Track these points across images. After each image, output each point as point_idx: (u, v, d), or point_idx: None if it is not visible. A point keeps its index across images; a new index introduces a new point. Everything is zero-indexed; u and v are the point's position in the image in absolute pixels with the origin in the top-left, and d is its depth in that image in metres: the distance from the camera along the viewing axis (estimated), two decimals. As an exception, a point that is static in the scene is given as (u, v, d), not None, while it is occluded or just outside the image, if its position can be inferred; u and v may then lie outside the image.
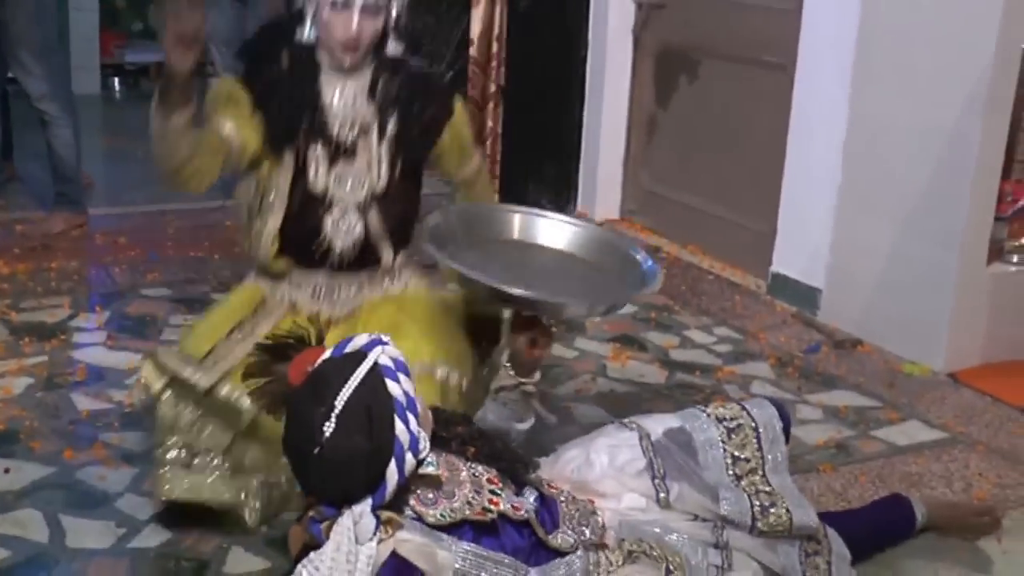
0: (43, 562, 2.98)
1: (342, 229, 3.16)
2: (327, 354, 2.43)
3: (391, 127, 3.14)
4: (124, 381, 4.05)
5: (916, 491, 3.52)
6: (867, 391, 4.33)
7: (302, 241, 3.18)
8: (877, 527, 3.20)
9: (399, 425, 2.34)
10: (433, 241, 2.87)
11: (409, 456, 2.35)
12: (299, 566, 2.31)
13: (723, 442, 2.86)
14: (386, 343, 2.42)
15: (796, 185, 5.10)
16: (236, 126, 3.05)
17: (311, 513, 2.40)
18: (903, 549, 3.21)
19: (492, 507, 2.48)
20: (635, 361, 4.52)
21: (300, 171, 3.13)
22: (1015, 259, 4.63)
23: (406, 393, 2.37)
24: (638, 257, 3.10)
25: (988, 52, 4.18)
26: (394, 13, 3.11)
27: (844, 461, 3.77)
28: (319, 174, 3.12)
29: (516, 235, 3.14)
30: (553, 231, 3.15)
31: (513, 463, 2.64)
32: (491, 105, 6.30)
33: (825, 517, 2.99)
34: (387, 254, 3.23)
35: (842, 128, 4.79)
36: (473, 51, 6.27)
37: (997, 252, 4.59)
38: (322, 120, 3.10)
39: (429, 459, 2.43)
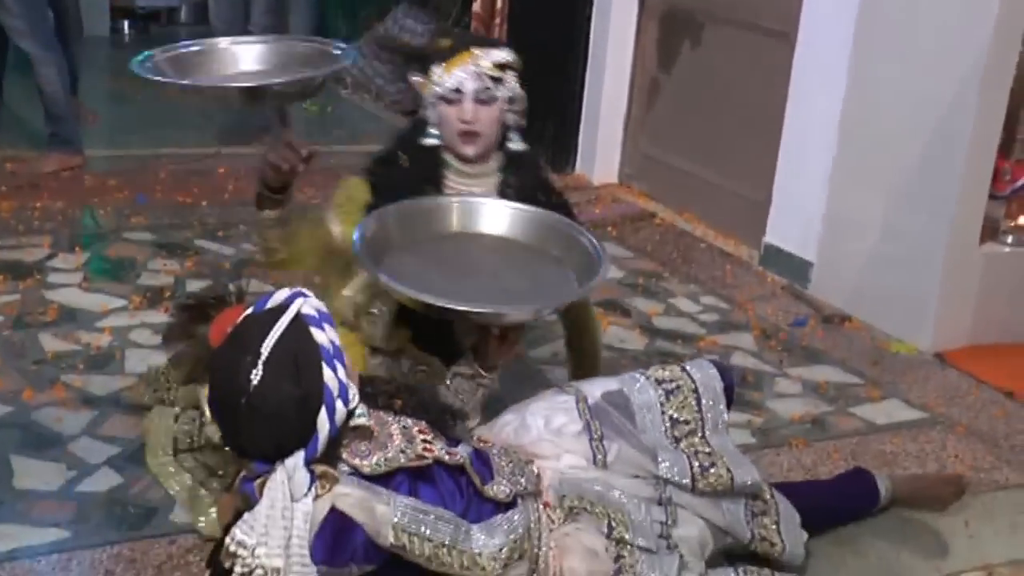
0: (-15, 501, 2.95)
1: None
2: (248, 312, 2.35)
3: None
4: (95, 324, 4.00)
5: (887, 470, 3.44)
6: (850, 367, 4.25)
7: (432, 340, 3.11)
8: (836, 499, 3.16)
9: (327, 372, 2.27)
10: (369, 253, 2.73)
11: (339, 404, 2.28)
12: (233, 528, 2.23)
13: (661, 404, 2.82)
14: (307, 295, 2.35)
15: (792, 154, 5.00)
16: (345, 229, 2.97)
17: (243, 472, 2.33)
18: (868, 529, 3.16)
19: (427, 454, 2.43)
20: (617, 327, 4.43)
21: None
22: (1010, 239, 4.52)
23: (332, 342, 2.30)
24: (584, 240, 2.95)
25: (989, 26, 4.07)
26: (511, 106, 3.07)
27: (818, 437, 3.70)
28: None
29: (456, 227, 2.99)
30: (493, 217, 3.01)
31: (441, 414, 2.60)
32: (492, 62, 6.20)
33: (782, 488, 2.95)
34: None
35: (840, 97, 4.69)
36: (476, 7, 6.17)
37: (991, 231, 4.49)
38: None
39: (360, 410, 2.36)
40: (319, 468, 2.29)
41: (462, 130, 3.01)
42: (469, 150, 3.04)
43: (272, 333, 2.25)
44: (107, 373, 3.66)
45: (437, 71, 3.03)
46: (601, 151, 6.23)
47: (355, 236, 2.78)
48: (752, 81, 5.34)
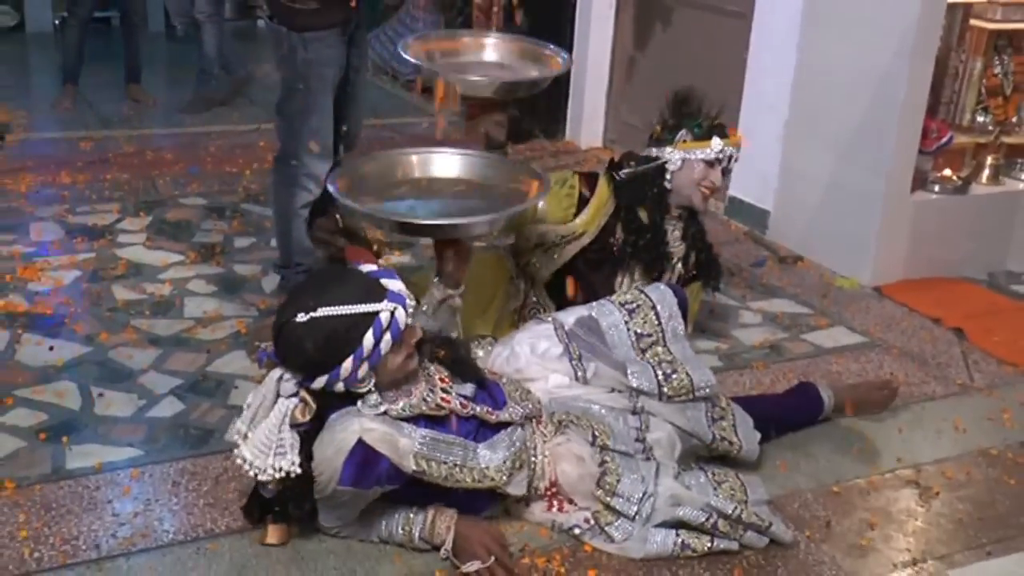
0: (74, 425, 3.00)
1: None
2: (369, 267, 2.43)
3: (691, 262, 3.52)
4: (157, 276, 4.04)
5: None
6: (803, 300, 4.28)
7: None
8: (787, 408, 3.20)
9: (347, 363, 2.33)
10: (345, 193, 2.83)
11: (340, 385, 2.36)
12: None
13: (626, 322, 2.90)
14: (406, 305, 2.37)
15: (751, 119, 4.97)
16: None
17: (264, 345, 2.43)
18: (816, 437, 3.20)
19: (444, 405, 2.50)
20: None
21: (610, 272, 3.42)
22: (936, 188, 4.55)
23: (375, 348, 2.34)
24: (521, 168, 3.16)
25: (915, 5, 4.08)
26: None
27: (775, 360, 3.74)
28: (624, 285, 3.41)
29: (417, 173, 3.11)
30: (449, 163, 3.13)
31: (475, 372, 2.65)
32: (492, 46, 6.20)
33: (741, 401, 3.00)
34: None
35: (791, 69, 4.69)
36: (477, -1, 6.17)
37: (921, 182, 4.51)
38: (663, 248, 3.44)
39: (373, 399, 2.41)
40: (303, 393, 2.38)
41: (707, 191, 3.41)
42: (703, 205, 3.45)
43: (339, 309, 2.30)
44: (169, 317, 3.71)
45: (720, 141, 3.38)
46: (587, 119, 6.22)
47: (330, 181, 2.89)
48: (715, 56, 5.31)
